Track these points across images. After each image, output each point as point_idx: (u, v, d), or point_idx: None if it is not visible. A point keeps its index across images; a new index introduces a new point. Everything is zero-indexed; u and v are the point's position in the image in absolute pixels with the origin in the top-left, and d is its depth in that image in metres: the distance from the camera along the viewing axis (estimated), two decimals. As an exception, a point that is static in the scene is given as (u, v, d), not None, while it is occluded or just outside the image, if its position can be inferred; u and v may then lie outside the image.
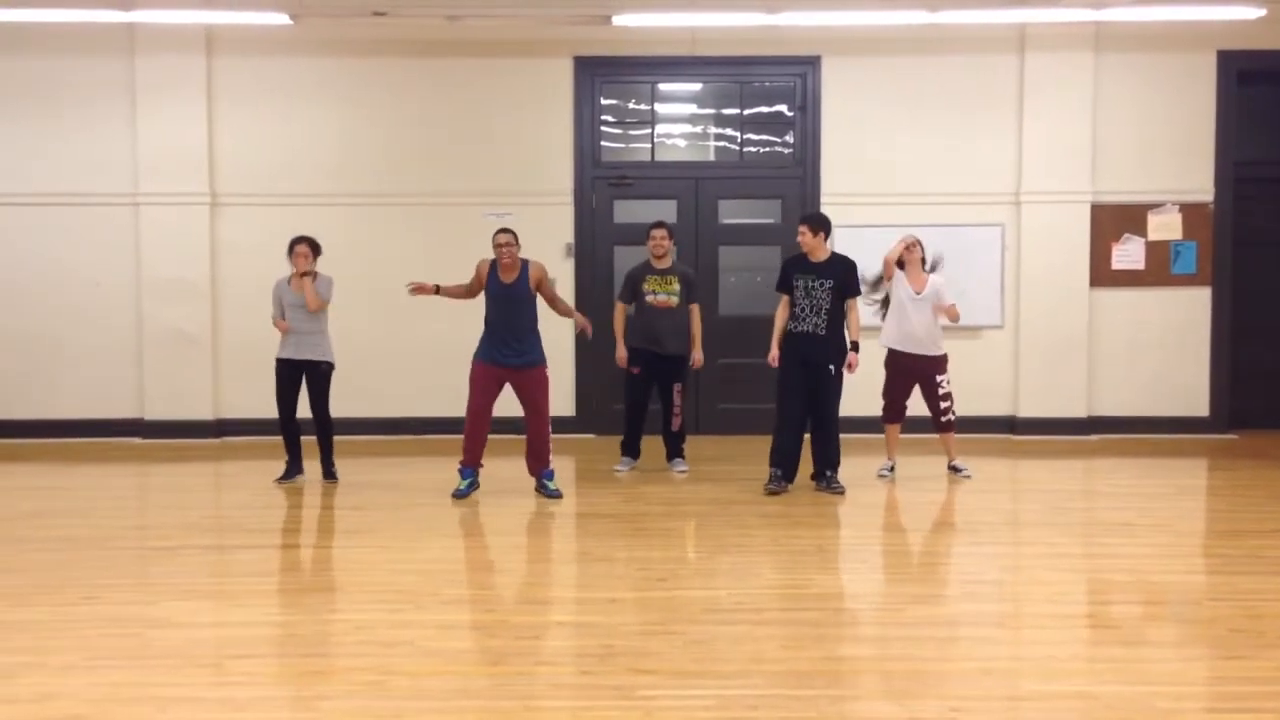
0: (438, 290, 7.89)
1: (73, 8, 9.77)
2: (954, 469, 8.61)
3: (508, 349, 7.69)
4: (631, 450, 8.82)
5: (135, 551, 6.55)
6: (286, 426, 8.37)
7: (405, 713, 4.06)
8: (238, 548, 6.68)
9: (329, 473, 8.43)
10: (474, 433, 7.79)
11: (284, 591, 5.83)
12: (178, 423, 10.40)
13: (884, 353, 8.56)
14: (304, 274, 8.14)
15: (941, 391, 8.49)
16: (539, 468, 7.86)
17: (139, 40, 10.29)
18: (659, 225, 8.69)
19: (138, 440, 10.40)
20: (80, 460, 9.63)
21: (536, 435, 7.81)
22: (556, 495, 7.78)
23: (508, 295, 7.68)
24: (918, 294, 8.40)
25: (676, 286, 8.61)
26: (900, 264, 8.46)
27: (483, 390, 7.75)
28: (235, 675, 4.49)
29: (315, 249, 8.31)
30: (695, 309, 8.71)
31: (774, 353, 7.93)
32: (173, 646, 4.77)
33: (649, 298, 8.58)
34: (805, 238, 7.90)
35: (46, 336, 10.49)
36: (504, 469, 8.23)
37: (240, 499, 8.14)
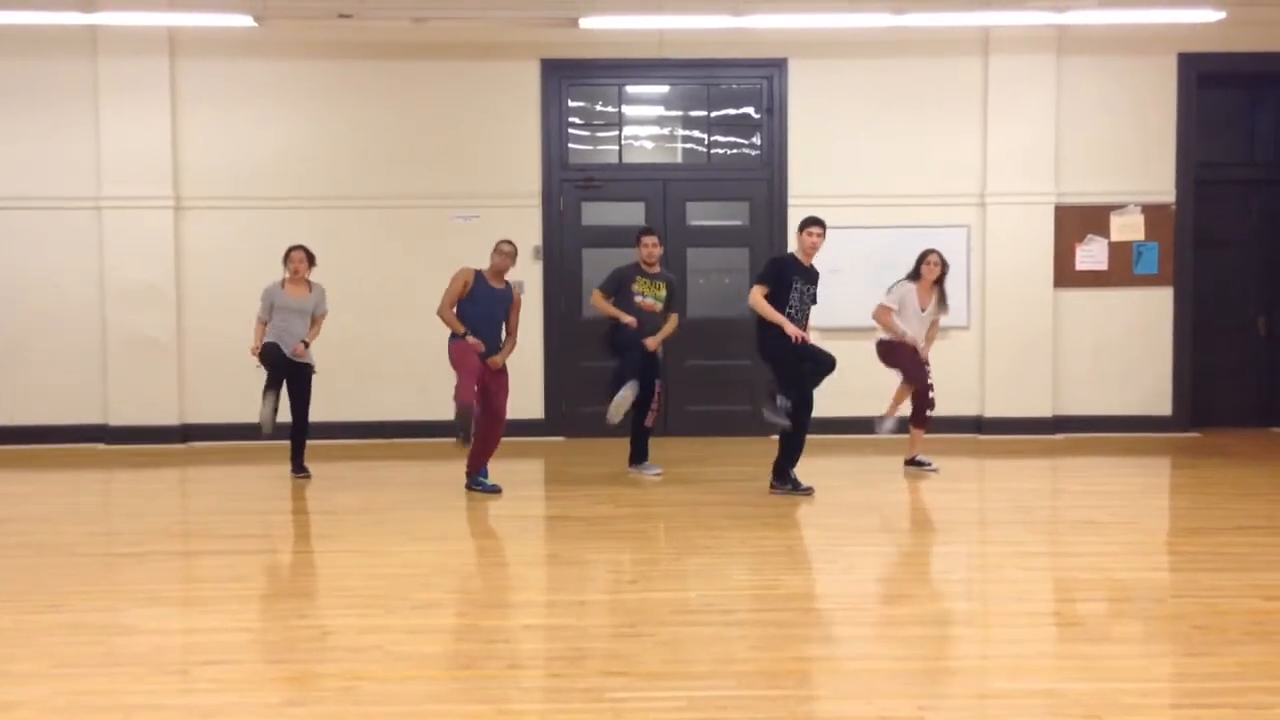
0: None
1: (34, 9, 9.66)
2: (918, 463, 8.72)
3: (493, 340, 7.96)
4: (645, 454, 8.80)
5: (101, 558, 6.48)
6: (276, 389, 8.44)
7: (375, 718, 4.04)
8: (205, 553, 6.63)
9: (301, 467, 8.61)
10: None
11: (252, 597, 5.79)
12: (143, 428, 10.31)
13: (872, 353, 8.73)
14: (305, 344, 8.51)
15: (927, 382, 8.69)
16: (482, 465, 8.05)
17: (101, 42, 10.19)
18: (649, 232, 8.73)
19: (102, 446, 10.30)
20: (44, 467, 9.52)
21: (496, 437, 8.03)
22: (496, 490, 7.95)
23: (495, 299, 8.00)
24: (923, 310, 8.67)
25: (664, 293, 8.64)
26: (917, 274, 8.67)
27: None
28: (202, 682, 4.46)
29: (311, 259, 8.57)
30: (674, 318, 8.74)
31: (796, 329, 7.52)
32: (139, 654, 4.73)
33: (638, 299, 8.57)
34: (821, 239, 7.82)
35: (8, 341, 10.36)
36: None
37: (207, 504, 8.08)
